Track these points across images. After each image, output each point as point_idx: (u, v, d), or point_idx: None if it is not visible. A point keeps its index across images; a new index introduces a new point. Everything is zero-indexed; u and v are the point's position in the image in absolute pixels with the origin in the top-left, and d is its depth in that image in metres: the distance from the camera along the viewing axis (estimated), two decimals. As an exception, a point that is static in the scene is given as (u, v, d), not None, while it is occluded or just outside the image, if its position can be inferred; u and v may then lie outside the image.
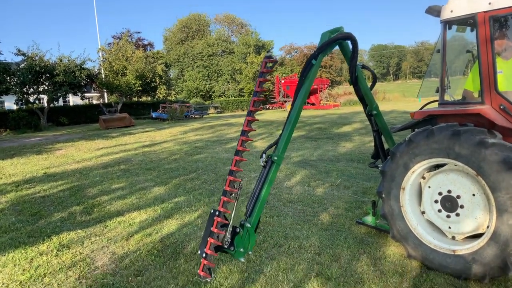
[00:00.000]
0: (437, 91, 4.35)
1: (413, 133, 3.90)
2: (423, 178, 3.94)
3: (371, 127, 4.82)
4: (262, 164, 3.74)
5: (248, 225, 3.57)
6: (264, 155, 3.74)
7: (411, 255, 3.97)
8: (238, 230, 3.56)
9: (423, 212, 3.96)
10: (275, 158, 3.65)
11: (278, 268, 4.01)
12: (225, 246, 3.50)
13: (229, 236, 3.50)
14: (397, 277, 3.75)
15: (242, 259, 3.56)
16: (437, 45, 4.24)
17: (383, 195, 4.09)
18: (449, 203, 3.73)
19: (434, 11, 4.06)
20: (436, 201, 3.82)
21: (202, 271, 3.38)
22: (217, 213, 3.53)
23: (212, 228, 3.48)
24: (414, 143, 3.78)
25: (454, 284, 3.56)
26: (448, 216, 3.74)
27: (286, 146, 3.73)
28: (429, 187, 3.88)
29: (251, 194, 3.70)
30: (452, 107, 4.03)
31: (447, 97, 4.25)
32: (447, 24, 4.05)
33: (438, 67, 4.28)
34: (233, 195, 3.58)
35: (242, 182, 3.63)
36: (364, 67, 4.73)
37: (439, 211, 3.81)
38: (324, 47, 3.91)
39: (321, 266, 4.01)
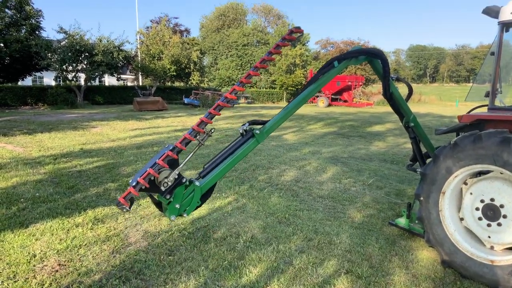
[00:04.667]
0: (486, 95, 4.19)
1: (459, 137, 3.78)
2: (465, 184, 3.82)
3: (408, 135, 4.74)
4: (241, 132, 3.51)
5: (198, 183, 3.25)
6: (247, 124, 3.52)
7: (446, 261, 3.87)
8: (184, 180, 3.19)
9: (461, 219, 3.85)
10: (257, 132, 3.43)
11: (308, 261, 4.00)
12: (162, 189, 3.10)
13: (172, 180, 3.11)
14: (430, 282, 3.67)
15: (173, 217, 3.20)
16: (492, 47, 4.08)
17: (421, 198, 3.99)
18: (491, 212, 3.60)
19: (492, 11, 3.89)
20: (477, 209, 3.70)
21: (124, 198, 2.98)
22: (171, 147, 3.16)
23: (157, 160, 3.09)
24: (460, 147, 3.66)
25: (490, 295, 3.46)
26: (488, 225, 3.62)
27: (272, 129, 3.56)
28: (471, 193, 3.75)
29: (214, 157, 3.47)
30: (502, 112, 3.88)
31: (497, 103, 4.09)
32: (505, 26, 3.88)
33: (490, 71, 4.12)
34: (198, 136, 3.24)
35: (213, 130, 3.34)
36: (398, 79, 4.61)
37: (480, 219, 3.68)
38: (352, 54, 3.88)
39: (351, 263, 3.97)
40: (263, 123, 3.60)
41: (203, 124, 3.25)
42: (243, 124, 3.53)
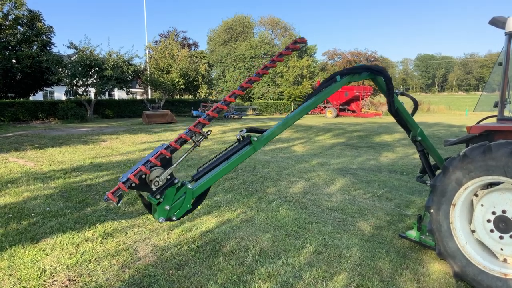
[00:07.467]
0: (495, 106, 4.16)
1: (468, 148, 3.74)
2: (476, 195, 3.77)
3: (416, 148, 4.72)
4: (238, 137, 3.48)
5: (190, 186, 3.19)
6: (245, 131, 3.49)
7: (458, 275, 3.81)
8: (176, 181, 3.12)
9: (473, 231, 3.79)
10: (255, 139, 3.41)
11: (317, 275, 3.97)
12: (153, 188, 3.01)
13: (163, 179, 3.03)
14: (442, 296, 3.61)
15: (162, 220, 3.11)
16: (499, 57, 4.07)
17: (432, 210, 3.95)
18: (503, 224, 3.54)
19: (499, 22, 3.89)
20: (488, 221, 3.65)
21: (112, 193, 2.87)
22: (165, 145, 3.09)
23: (151, 158, 2.99)
24: (469, 159, 3.62)
25: (504, 310, 3.39)
26: (501, 237, 3.56)
27: (270, 138, 3.55)
28: (482, 205, 3.70)
29: (209, 160, 3.43)
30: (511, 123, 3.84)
31: (506, 113, 4.06)
32: (512, 36, 3.87)
33: (498, 81, 4.10)
34: (193, 137, 3.17)
35: (210, 132, 3.30)
36: (402, 94, 4.62)
37: (492, 231, 3.63)
38: (355, 70, 3.90)
39: (362, 277, 3.92)
40: (262, 131, 3.60)
41: (200, 125, 3.21)
42: (241, 130, 3.53)
